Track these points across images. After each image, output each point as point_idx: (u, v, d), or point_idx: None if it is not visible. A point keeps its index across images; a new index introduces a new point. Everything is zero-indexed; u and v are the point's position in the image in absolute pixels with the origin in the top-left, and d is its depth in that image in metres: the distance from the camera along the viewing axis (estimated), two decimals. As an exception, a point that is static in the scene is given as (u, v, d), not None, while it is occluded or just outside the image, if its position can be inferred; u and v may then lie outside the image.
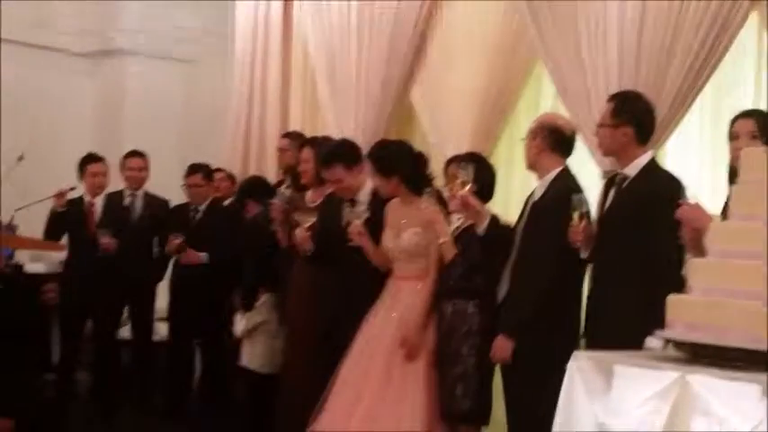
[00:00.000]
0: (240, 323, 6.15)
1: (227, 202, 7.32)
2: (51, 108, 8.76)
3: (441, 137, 6.45)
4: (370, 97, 6.85)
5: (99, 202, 6.96)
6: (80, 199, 6.95)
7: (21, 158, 7.05)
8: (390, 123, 6.84)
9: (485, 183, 4.58)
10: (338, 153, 5.21)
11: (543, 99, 6.20)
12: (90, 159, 7.02)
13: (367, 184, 5.17)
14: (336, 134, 6.63)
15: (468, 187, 4.36)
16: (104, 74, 9.23)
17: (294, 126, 7.50)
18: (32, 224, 6.89)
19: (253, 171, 7.73)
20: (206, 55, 8.95)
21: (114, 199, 7.08)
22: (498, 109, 6.23)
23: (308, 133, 7.05)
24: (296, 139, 6.88)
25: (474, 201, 4.39)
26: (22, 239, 6.63)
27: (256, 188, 6.54)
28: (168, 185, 7.48)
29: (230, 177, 7.50)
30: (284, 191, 5.47)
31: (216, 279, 6.89)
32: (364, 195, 5.16)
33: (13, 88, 8.29)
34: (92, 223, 6.87)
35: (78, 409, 6.89)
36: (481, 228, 4.41)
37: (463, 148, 6.19)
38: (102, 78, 9.23)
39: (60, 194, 6.75)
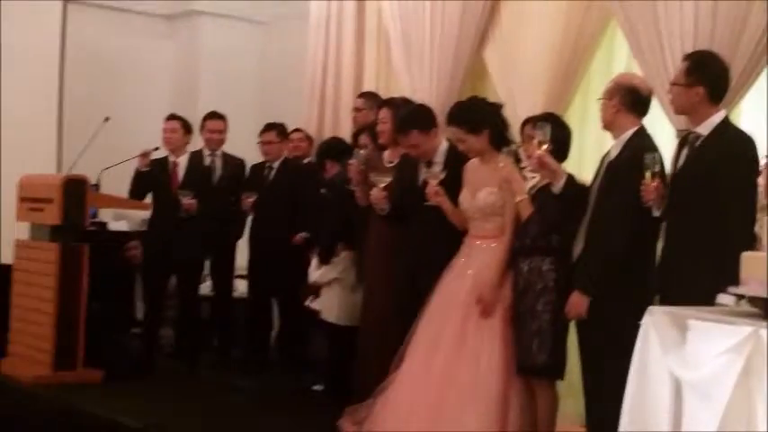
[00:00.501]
0: (315, 272, 6.32)
1: (306, 161, 7.50)
2: (132, 70, 8.97)
3: (513, 97, 6.49)
4: (443, 58, 6.92)
5: (182, 162, 7.14)
6: (165, 159, 7.15)
7: (107, 120, 7.26)
8: (463, 84, 6.91)
9: (560, 142, 4.64)
10: (413, 119, 5.32)
11: (616, 60, 6.21)
12: (169, 118, 7.21)
13: (442, 144, 5.27)
14: (410, 95, 6.73)
15: (544, 147, 4.44)
16: (182, 35, 9.43)
17: (368, 88, 7.60)
18: (117, 184, 7.14)
19: (328, 132, 7.86)
20: (281, 17, 9.08)
21: (196, 159, 7.28)
22: (572, 69, 6.23)
23: (383, 95, 7.21)
24: (371, 99, 7.02)
25: (550, 160, 4.47)
26: (109, 198, 6.86)
27: (335, 149, 6.71)
28: (244, 146, 7.66)
29: (308, 138, 7.67)
30: (361, 151, 5.59)
31: (289, 232, 7.08)
32: (439, 156, 5.26)
33: (97, 51, 8.52)
34: (175, 183, 7.07)
35: (163, 362, 7.15)
36: (558, 187, 4.49)
37: (536, 107, 6.25)
38: (181, 40, 9.43)
39: (144, 155, 6.95)
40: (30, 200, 6.70)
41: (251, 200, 7.05)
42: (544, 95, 6.32)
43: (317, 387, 6.53)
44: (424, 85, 7.03)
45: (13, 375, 6.48)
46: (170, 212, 6.97)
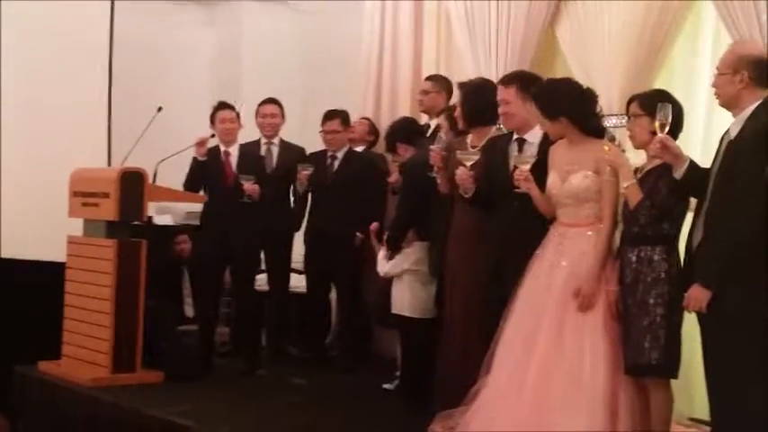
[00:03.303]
0: (384, 263, 5.96)
1: (360, 149, 7.19)
2: (176, 59, 8.77)
3: (589, 75, 6.16)
4: (511, 37, 6.58)
5: (234, 152, 6.80)
6: (216, 148, 6.82)
7: (160, 109, 6.95)
8: (533, 64, 6.57)
9: (676, 122, 4.28)
10: (517, 76, 5.07)
11: (701, 36, 5.87)
12: (220, 107, 6.85)
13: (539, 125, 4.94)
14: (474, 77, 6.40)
15: (666, 129, 4.10)
16: (224, 21, 9.16)
17: (428, 70, 7.28)
18: (169, 176, 6.82)
19: (385, 118, 7.57)
20: (332, 3, 8.78)
21: (250, 148, 6.97)
22: (654, 47, 5.90)
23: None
24: (440, 82, 6.73)
25: (673, 144, 4.12)
26: (166, 191, 6.53)
27: (406, 130, 6.35)
28: (290, 133, 7.41)
29: (373, 126, 7.37)
30: (443, 135, 5.25)
31: (351, 226, 6.78)
32: (535, 136, 4.94)
33: (141, 41, 8.28)
34: (229, 173, 6.73)
35: (218, 361, 6.88)
36: (680, 172, 4.13)
37: (613, 88, 5.96)
38: (223, 26, 9.16)
39: (201, 143, 6.61)
40: (83, 194, 6.41)
41: (306, 172, 6.78)
42: (622, 76, 6.00)
43: (387, 386, 6.21)
44: (490, 66, 6.71)
45: (69, 378, 6.20)
46: (225, 203, 6.64)
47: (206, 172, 6.70)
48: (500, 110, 5.00)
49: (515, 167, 4.78)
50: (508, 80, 5.04)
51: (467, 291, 5.15)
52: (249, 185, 6.54)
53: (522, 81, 4.97)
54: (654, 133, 4.32)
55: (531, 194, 4.74)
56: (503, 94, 4.98)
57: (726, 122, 4.66)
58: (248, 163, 6.77)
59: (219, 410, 5.65)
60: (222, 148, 6.79)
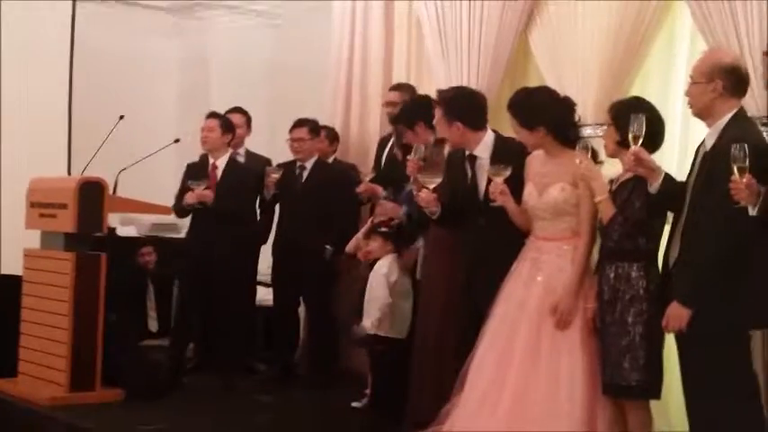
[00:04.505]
0: (391, 266, 5.67)
1: (330, 160, 7.02)
2: (142, 66, 8.56)
3: (562, 83, 6.00)
4: (485, 42, 6.40)
5: (221, 164, 6.58)
6: (205, 159, 6.63)
7: (122, 118, 6.72)
8: (506, 72, 6.41)
9: (653, 133, 4.12)
10: (444, 97, 4.98)
11: (678, 40, 5.73)
12: (207, 116, 6.66)
13: (488, 135, 4.87)
14: (446, 85, 6.21)
15: (640, 141, 3.94)
16: (191, 29, 8.99)
17: (398, 79, 7.09)
18: (132, 186, 6.59)
19: (354, 127, 7.40)
20: (295, 8, 8.58)
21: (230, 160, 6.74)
22: (629, 54, 5.74)
23: (415, 85, 6.74)
24: (407, 91, 6.55)
25: (647, 156, 3.97)
26: (128, 202, 6.30)
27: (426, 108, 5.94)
28: (258, 144, 7.25)
29: (334, 136, 7.16)
30: (420, 146, 5.08)
31: (320, 238, 6.60)
32: (484, 149, 4.83)
33: (105, 47, 8.08)
34: (212, 185, 6.52)
35: (190, 377, 6.68)
36: (655, 186, 3.98)
37: (587, 97, 5.81)
38: (190, 34, 8.99)
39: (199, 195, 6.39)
40: (41, 205, 6.18)
41: (275, 175, 6.62)
42: (597, 82, 5.84)
43: (356, 404, 6.00)
44: (462, 72, 6.53)
45: (25, 397, 5.96)
46: (208, 216, 6.43)
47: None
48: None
49: (474, 182, 4.65)
50: (438, 100, 4.98)
51: (440, 308, 5.03)
52: (198, 191, 6.33)
53: (445, 104, 4.89)
54: (619, 143, 4.19)
55: (506, 207, 4.58)
56: (435, 115, 4.97)
57: (704, 132, 4.53)
58: (234, 176, 6.56)
59: (183, 430, 5.46)
60: (211, 160, 6.59)
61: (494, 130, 4.96)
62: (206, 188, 6.36)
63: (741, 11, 5.04)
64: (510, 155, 4.68)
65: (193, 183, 6.39)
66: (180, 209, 6.53)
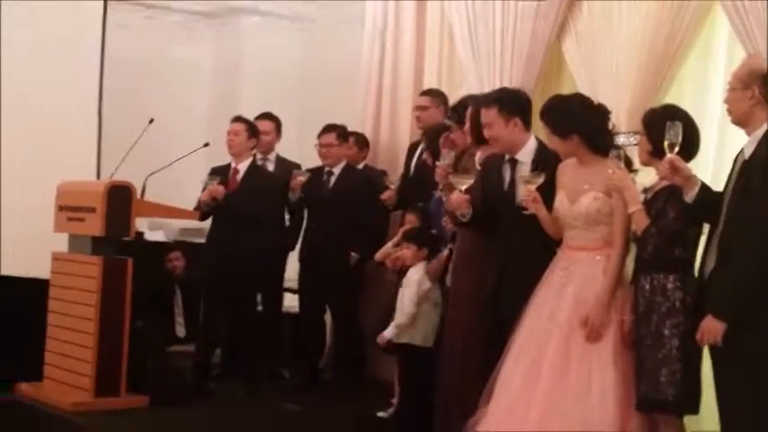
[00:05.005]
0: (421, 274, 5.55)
1: (360, 166, 6.95)
2: (173, 70, 8.53)
3: (596, 93, 5.90)
4: (517, 50, 6.33)
5: (242, 168, 6.55)
6: (227, 166, 6.61)
7: (152, 121, 6.71)
8: (539, 79, 6.32)
9: (689, 141, 4.02)
10: (499, 96, 4.80)
11: (714, 53, 5.61)
12: (232, 120, 6.64)
13: (531, 141, 4.72)
14: (479, 91, 6.15)
15: (676, 150, 3.85)
16: (224, 34, 8.96)
17: (428, 85, 7.03)
18: (161, 190, 6.56)
19: (385, 133, 7.34)
20: (326, 14, 8.54)
21: (257, 166, 6.75)
22: (665, 62, 5.64)
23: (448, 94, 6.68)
24: (438, 97, 6.50)
25: (683, 165, 3.86)
26: (156, 206, 6.27)
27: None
28: (289, 149, 7.20)
29: (365, 142, 7.10)
30: (449, 152, 5.00)
31: (347, 245, 6.53)
32: (526, 154, 4.70)
33: (136, 51, 8.08)
34: (233, 188, 6.50)
35: (216, 384, 6.63)
36: (691, 195, 3.87)
37: (623, 102, 5.71)
38: (222, 39, 8.96)
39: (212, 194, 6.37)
40: (69, 209, 6.16)
41: (302, 178, 6.58)
42: (631, 89, 5.74)
43: (382, 414, 5.92)
44: (494, 80, 6.45)
45: (50, 401, 5.93)
46: (228, 221, 6.40)
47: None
48: (485, 133, 4.76)
49: (513, 189, 4.56)
50: (488, 101, 4.79)
51: (468, 316, 4.92)
52: (210, 188, 6.32)
53: (501, 101, 4.73)
54: (652, 153, 4.09)
55: (538, 216, 4.49)
56: (484, 116, 4.75)
57: (740, 141, 4.42)
58: (255, 180, 6.53)
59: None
60: (233, 165, 6.56)
61: (536, 136, 4.84)
62: (219, 184, 6.34)
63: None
64: (550, 162, 4.59)
65: (208, 181, 6.37)
66: (198, 209, 6.48)
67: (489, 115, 4.71)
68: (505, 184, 4.74)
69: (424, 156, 5.82)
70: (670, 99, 5.54)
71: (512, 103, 4.73)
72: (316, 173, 6.76)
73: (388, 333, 5.45)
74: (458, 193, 4.73)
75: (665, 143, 3.87)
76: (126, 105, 7.74)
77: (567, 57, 6.23)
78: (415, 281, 5.44)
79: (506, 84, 6.31)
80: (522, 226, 4.59)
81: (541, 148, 4.71)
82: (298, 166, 6.91)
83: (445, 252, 5.35)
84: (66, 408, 5.78)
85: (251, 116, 6.88)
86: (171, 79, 8.50)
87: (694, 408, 4.02)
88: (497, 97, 4.79)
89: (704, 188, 3.90)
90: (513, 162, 4.73)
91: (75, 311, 6.02)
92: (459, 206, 4.75)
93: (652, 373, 3.99)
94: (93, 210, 5.95)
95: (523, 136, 4.71)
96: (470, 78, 6.65)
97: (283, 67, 8.75)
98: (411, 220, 5.93)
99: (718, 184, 4.09)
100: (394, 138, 7.31)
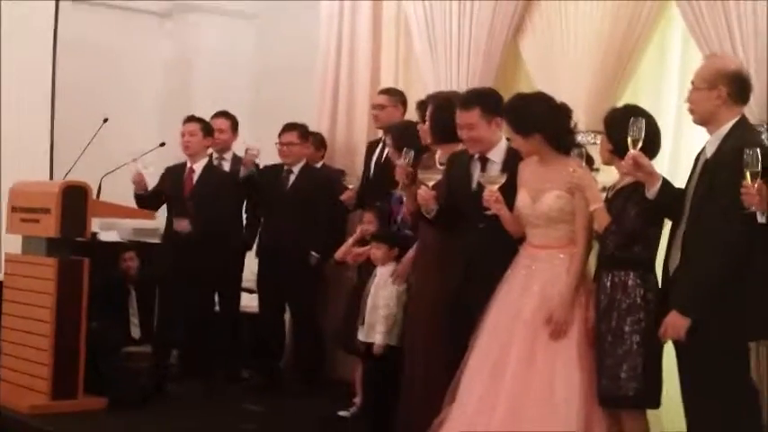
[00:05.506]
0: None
1: (318, 165, 6.93)
2: (125, 69, 8.45)
3: (553, 88, 5.90)
4: (474, 47, 6.34)
5: (198, 168, 6.53)
6: (183, 165, 6.57)
7: (106, 121, 6.62)
8: (497, 78, 6.33)
9: (650, 140, 4.06)
10: (479, 95, 4.75)
11: (669, 53, 5.67)
12: (186, 120, 6.61)
13: (501, 141, 4.69)
14: (435, 90, 6.15)
15: (639, 146, 3.88)
16: (176, 32, 8.88)
17: (385, 83, 7.02)
18: (116, 190, 6.49)
19: (341, 131, 7.31)
20: (279, 10, 8.49)
21: (212, 166, 6.71)
22: (622, 61, 5.69)
23: (403, 90, 6.67)
24: (396, 96, 6.49)
25: (646, 161, 3.90)
26: (112, 206, 6.19)
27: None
28: (240, 147, 7.07)
29: (321, 141, 7.08)
30: (409, 151, 4.98)
31: (306, 245, 6.51)
32: (498, 154, 4.68)
33: (88, 49, 7.99)
34: (188, 189, 6.48)
35: (173, 385, 6.56)
36: (652, 191, 3.91)
37: (580, 100, 5.74)
38: (175, 37, 8.88)
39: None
40: (22, 209, 6.05)
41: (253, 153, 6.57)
42: (588, 88, 5.78)
43: (343, 413, 5.91)
44: (451, 77, 6.46)
45: (6, 404, 5.82)
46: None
47: (166, 187, 6.48)
48: (464, 135, 4.70)
49: (482, 187, 4.53)
50: (468, 102, 4.70)
51: (429, 315, 4.89)
52: (179, 224, 6.39)
53: (483, 103, 4.68)
54: (612, 152, 4.15)
55: (500, 215, 4.49)
56: (465, 118, 4.66)
57: (696, 138, 4.49)
58: (212, 180, 6.48)
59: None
60: (188, 164, 6.51)
61: (508, 138, 4.75)
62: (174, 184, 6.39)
63: (734, 12, 5.00)
64: (517, 162, 4.57)
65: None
66: (137, 197, 6.47)
67: (471, 117, 4.64)
68: (473, 182, 4.71)
69: (389, 153, 5.77)
70: (627, 98, 5.61)
71: (493, 103, 4.69)
72: (274, 170, 6.72)
73: (379, 339, 5.36)
74: (425, 189, 4.70)
75: (629, 139, 3.90)
76: (79, 103, 7.64)
77: (524, 55, 6.26)
78: (391, 281, 5.42)
79: (463, 81, 6.35)
80: (489, 224, 4.59)
81: (510, 148, 4.67)
82: (255, 166, 6.87)
83: (410, 253, 5.33)
84: (23, 411, 5.68)
85: (203, 113, 6.84)
86: (124, 76, 8.41)
87: (655, 402, 4.06)
88: (477, 98, 4.72)
89: (666, 184, 3.94)
90: (484, 160, 4.70)
91: (29, 313, 5.91)
92: (426, 202, 4.72)
93: (613, 369, 4.03)
94: (47, 211, 5.84)
95: (499, 136, 4.69)
96: (427, 75, 6.65)
97: (236, 63, 8.71)
98: (369, 219, 5.92)
99: (674, 182, 4.14)
100: (350, 136, 7.28)
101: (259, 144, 6.68)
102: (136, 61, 8.56)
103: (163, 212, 6.70)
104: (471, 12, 6.36)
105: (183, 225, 6.37)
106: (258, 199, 6.81)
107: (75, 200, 5.84)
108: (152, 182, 6.57)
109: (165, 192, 6.55)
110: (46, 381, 5.75)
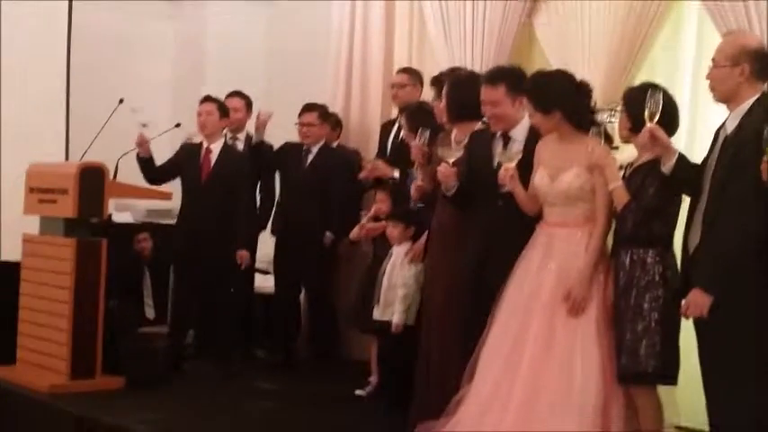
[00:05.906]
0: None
1: (334, 145, 6.94)
2: (138, 52, 8.49)
3: (569, 68, 5.89)
4: (488, 28, 6.34)
5: (216, 149, 6.51)
6: (199, 145, 6.55)
7: (121, 101, 6.62)
8: (511, 58, 6.33)
9: (669, 116, 4.07)
10: (504, 73, 4.74)
11: (684, 31, 5.66)
12: (202, 100, 6.59)
13: (524, 119, 4.67)
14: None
15: (656, 119, 3.89)
16: (186, 14, 8.86)
17: (399, 64, 7.02)
18: (131, 171, 6.51)
19: (355, 112, 7.32)
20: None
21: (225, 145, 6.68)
22: (637, 40, 5.68)
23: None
24: (415, 75, 6.50)
25: (663, 135, 3.90)
26: (129, 187, 6.22)
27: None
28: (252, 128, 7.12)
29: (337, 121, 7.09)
30: (425, 130, 4.99)
31: (321, 224, 6.54)
32: (520, 132, 4.67)
33: (102, 33, 8.00)
34: (206, 170, 6.46)
35: (190, 364, 6.60)
36: (668, 166, 3.91)
37: (595, 81, 5.67)
38: (185, 19, 8.87)
39: (140, 142, 6.38)
40: (40, 190, 6.08)
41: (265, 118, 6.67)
42: (603, 68, 5.78)
43: (359, 392, 5.94)
44: (466, 58, 6.46)
45: (24, 384, 5.87)
46: (197, 202, 6.38)
47: (181, 167, 6.48)
48: (487, 111, 4.69)
49: (500, 165, 4.53)
50: (494, 79, 4.69)
51: (446, 293, 4.89)
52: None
53: (510, 80, 4.66)
54: (631, 129, 4.15)
55: (514, 193, 4.51)
56: (490, 94, 4.65)
57: (711, 117, 4.48)
58: (229, 161, 6.49)
59: (184, 418, 5.39)
60: (204, 144, 6.51)
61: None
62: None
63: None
64: (538, 140, 4.57)
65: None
66: (140, 161, 6.45)
67: (497, 94, 4.63)
68: (495, 160, 4.67)
69: (403, 134, 5.79)
70: (642, 76, 5.61)
71: (518, 81, 4.67)
72: (292, 150, 6.75)
73: (397, 318, 5.39)
74: (446, 166, 4.69)
75: (646, 113, 3.90)
76: (94, 85, 7.66)
77: (539, 35, 6.26)
78: (408, 261, 5.43)
79: (477, 62, 6.36)
80: (505, 203, 4.60)
81: (533, 127, 4.65)
82: (269, 145, 6.88)
83: (425, 235, 5.34)
84: (42, 390, 5.73)
85: (217, 95, 6.84)
86: (138, 58, 8.44)
87: (673, 378, 4.07)
88: (503, 75, 4.71)
89: (682, 158, 3.94)
90: (507, 138, 4.68)
91: (48, 294, 5.95)
92: (446, 179, 4.71)
93: (632, 345, 4.03)
94: (65, 191, 5.88)
95: (522, 114, 4.69)
96: (441, 57, 6.65)
97: (249, 45, 8.69)
98: (382, 198, 5.94)
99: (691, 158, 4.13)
100: (364, 117, 7.29)
101: (271, 110, 6.67)
102: (150, 45, 8.57)
103: (177, 195, 6.72)
104: (485, -4, 6.37)
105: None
106: (265, 170, 6.81)
107: (93, 180, 5.88)
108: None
109: (181, 169, 6.51)
110: (65, 361, 5.80)
